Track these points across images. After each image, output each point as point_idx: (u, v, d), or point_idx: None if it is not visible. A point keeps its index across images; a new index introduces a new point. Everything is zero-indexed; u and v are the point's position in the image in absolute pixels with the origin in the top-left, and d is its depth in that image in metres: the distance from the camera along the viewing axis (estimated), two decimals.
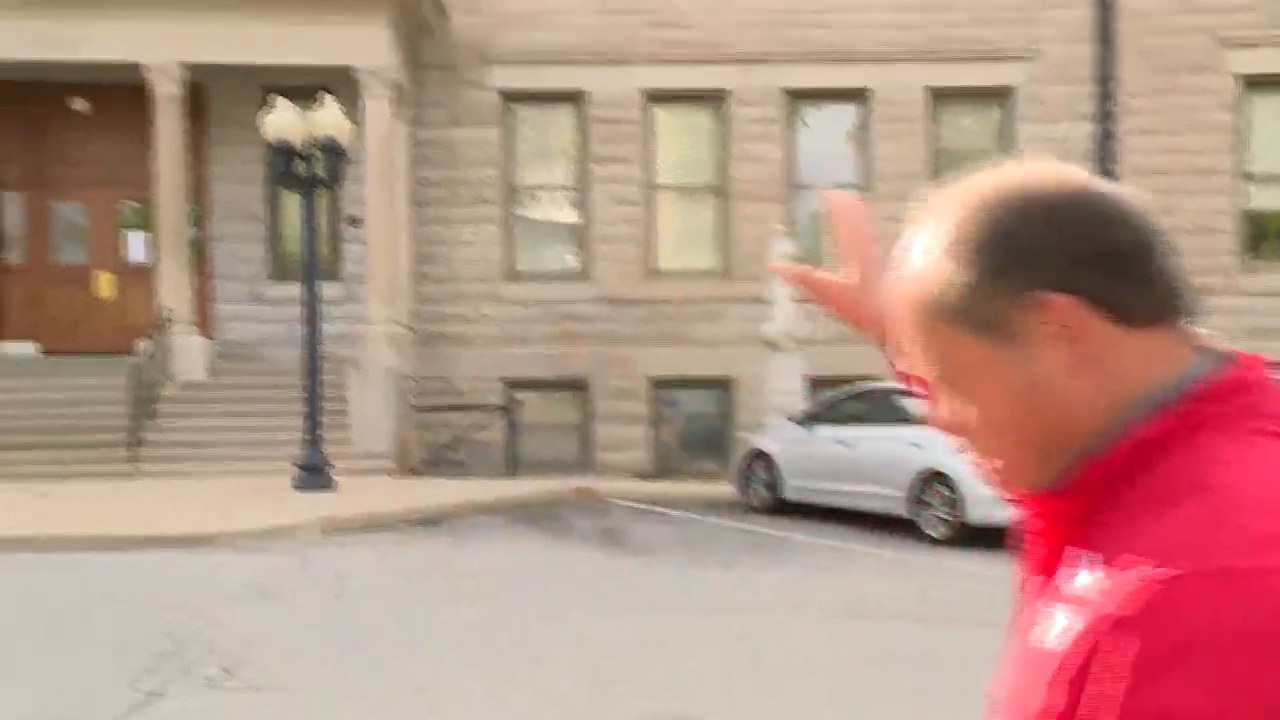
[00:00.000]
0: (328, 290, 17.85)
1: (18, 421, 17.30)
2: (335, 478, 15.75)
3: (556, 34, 20.67)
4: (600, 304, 20.71)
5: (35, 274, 20.39)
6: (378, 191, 18.64)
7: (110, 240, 20.50)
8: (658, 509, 15.44)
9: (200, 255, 19.93)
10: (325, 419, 16.07)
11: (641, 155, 20.89)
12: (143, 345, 17.96)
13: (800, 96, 20.92)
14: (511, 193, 21.13)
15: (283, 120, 15.74)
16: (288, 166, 15.81)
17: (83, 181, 20.32)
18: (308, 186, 15.87)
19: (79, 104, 20.27)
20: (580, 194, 21.14)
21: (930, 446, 12.89)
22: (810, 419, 15.52)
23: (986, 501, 12.01)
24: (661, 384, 20.73)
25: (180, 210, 18.64)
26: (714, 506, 15.68)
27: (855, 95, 20.90)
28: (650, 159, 21.02)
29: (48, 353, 19.88)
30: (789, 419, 16.13)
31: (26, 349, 19.90)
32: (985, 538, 12.01)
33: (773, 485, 15.44)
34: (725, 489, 16.54)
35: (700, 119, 21.23)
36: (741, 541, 13.12)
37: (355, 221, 19.85)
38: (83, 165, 20.33)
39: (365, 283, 18.95)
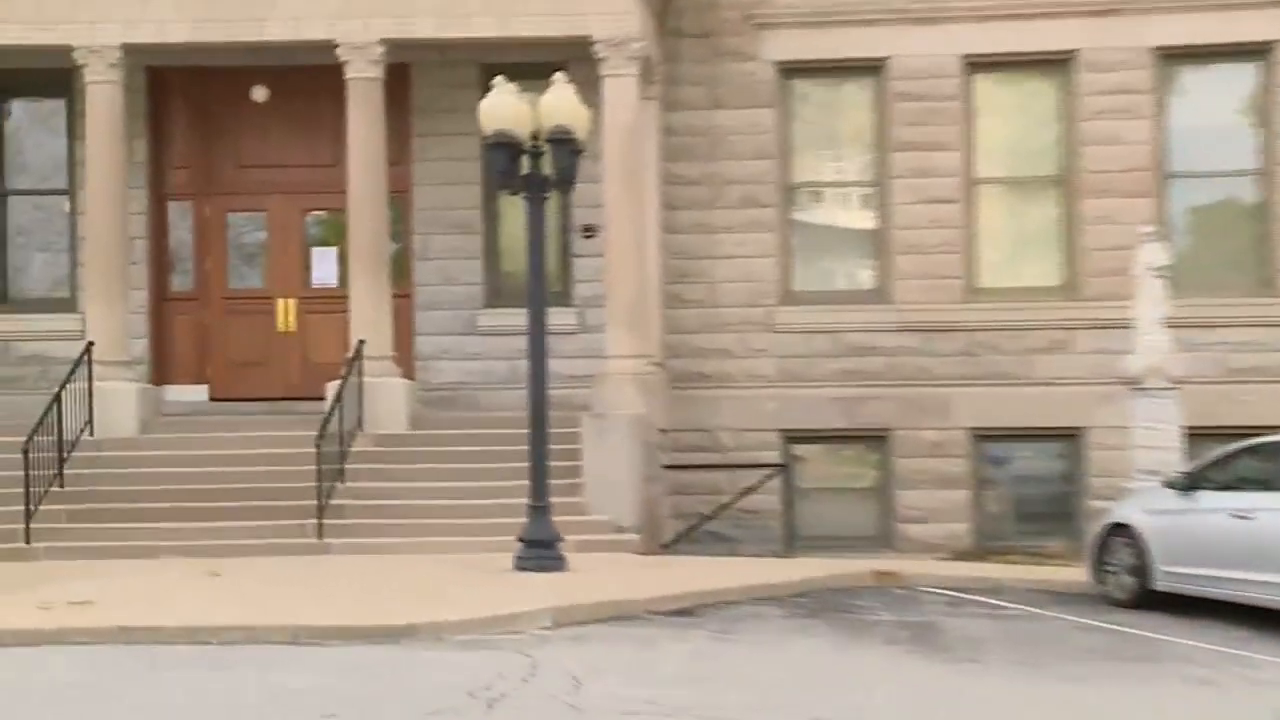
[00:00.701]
0: (557, 317, 18.11)
1: (185, 484, 18.07)
2: (566, 554, 15.91)
3: None
4: (903, 333, 20.55)
5: (206, 302, 21.32)
6: (620, 193, 18.85)
7: (294, 259, 21.30)
8: (982, 599, 15.37)
9: (401, 276, 20.52)
10: (554, 480, 16.26)
11: (959, 139, 20.71)
12: (331, 389, 18.55)
13: (1175, 56, 20.47)
14: (789, 192, 21.13)
15: (503, 106, 16.00)
16: (510, 164, 16.05)
17: (262, 187, 21.19)
18: (535, 188, 16.10)
19: (259, 93, 21.17)
20: (878, 191, 21.03)
21: None
22: (1191, 483, 15.08)
23: None
24: (986, 435, 20.50)
25: (378, 221, 19.22)
26: (1058, 597, 15.53)
27: (1255, 51, 20.39)
28: (970, 144, 20.81)
29: (218, 399, 20.77)
30: (1161, 483, 15.73)
31: (194, 394, 20.84)
32: None
33: (1139, 570, 15.09)
34: (1073, 574, 16.41)
35: (1038, 90, 20.94)
36: (1097, 644, 12.81)
37: (592, 231, 20.12)
38: (262, 168, 21.20)
39: (604, 308, 19.18)
